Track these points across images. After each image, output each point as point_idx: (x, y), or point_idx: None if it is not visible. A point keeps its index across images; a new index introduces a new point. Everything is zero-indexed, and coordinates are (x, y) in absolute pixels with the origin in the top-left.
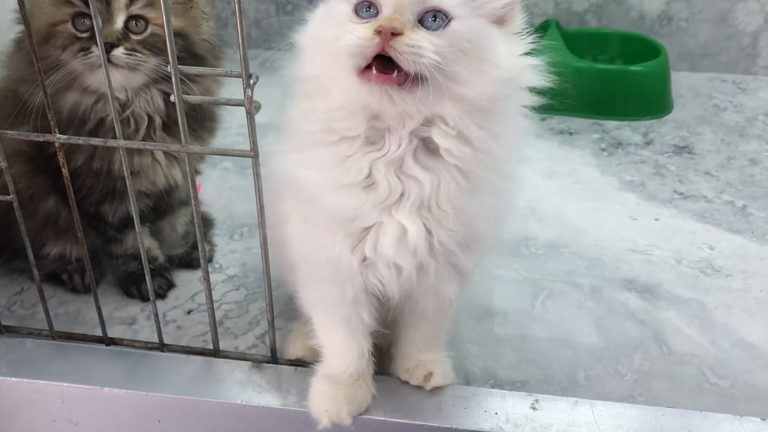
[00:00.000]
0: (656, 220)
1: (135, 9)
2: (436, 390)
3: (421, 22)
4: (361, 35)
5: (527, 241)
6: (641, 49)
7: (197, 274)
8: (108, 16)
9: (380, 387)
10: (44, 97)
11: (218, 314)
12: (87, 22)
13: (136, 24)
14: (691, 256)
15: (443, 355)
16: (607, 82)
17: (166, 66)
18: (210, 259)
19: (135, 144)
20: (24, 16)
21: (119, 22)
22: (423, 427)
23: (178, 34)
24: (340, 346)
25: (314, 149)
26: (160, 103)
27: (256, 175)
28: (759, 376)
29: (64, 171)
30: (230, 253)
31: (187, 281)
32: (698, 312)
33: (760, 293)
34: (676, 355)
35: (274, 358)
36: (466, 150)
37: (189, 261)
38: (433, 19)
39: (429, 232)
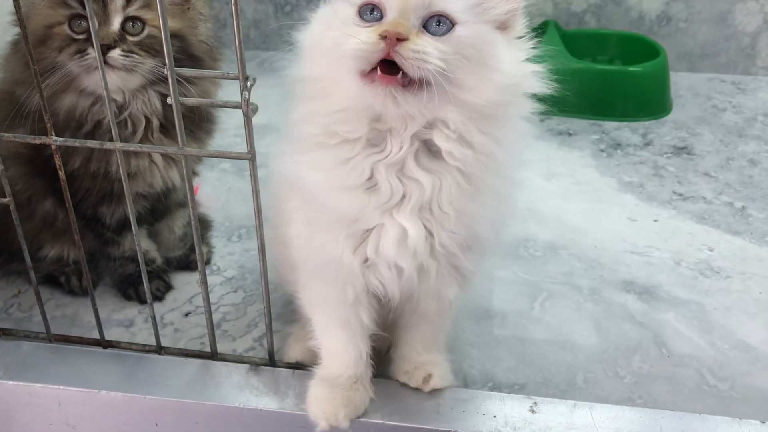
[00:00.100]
0: (655, 221)
1: (132, 10)
2: (435, 393)
3: (425, 27)
4: (365, 39)
5: (526, 243)
6: (640, 49)
7: (195, 276)
8: (104, 18)
9: (378, 390)
10: (40, 99)
11: (216, 317)
12: (83, 23)
13: (133, 25)
14: (690, 258)
15: (442, 358)
16: (606, 82)
17: (163, 68)
18: (208, 261)
19: (132, 146)
20: (20, 17)
21: (116, 23)
22: (421, 430)
23: (175, 36)
24: (338, 348)
25: (316, 151)
26: (158, 104)
27: (254, 178)
28: (758, 379)
29: (61, 174)
30: (228, 255)
31: (185, 283)
32: (697, 314)
33: (760, 295)
34: (675, 357)
35: (272, 361)
36: (467, 153)
37: (187, 263)
38: (437, 24)
39: (430, 233)
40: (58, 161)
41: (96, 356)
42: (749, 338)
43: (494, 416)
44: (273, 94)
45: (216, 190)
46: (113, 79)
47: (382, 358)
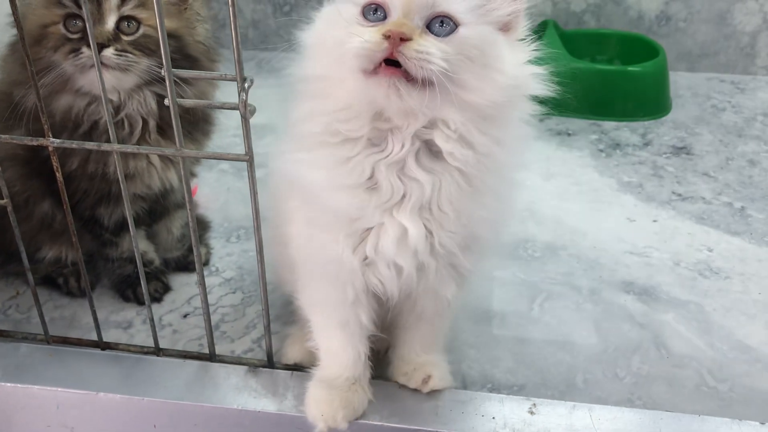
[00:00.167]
0: (654, 221)
1: (126, 10)
2: (434, 394)
3: (428, 27)
4: (369, 39)
5: (525, 243)
6: (640, 49)
7: (194, 277)
8: (99, 17)
9: (377, 391)
10: (37, 100)
11: (214, 318)
12: (78, 23)
13: (128, 25)
14: (690, 258)
15: (441, 359)
16: (605, 82)
17: (159, 67)
18: (206, 263)
19: (129, 148)
20: (16, 18)
21: (110, 22)
22: None
23: (172, 36)
24: (337, 349)
25: (317, 150)
26: (153, 105)
27: (252, 179)
28: (757, 380)
29: (58, 175)
30: (227, 256)
31: (184, 284)
32: (696, 314)
33: (759, 295)
34: (674, 358)
35: (270, 363)
36: (468, 153)
37: (185, 264)
38: (440, 24)
39: (430, 233)
40: (55, 163)
41: (94, 358)
42: (749, 339)
43: (493, 418)
44: (272, 94)
45: (214, 191)
46: (108, 79)
47: (380, 360)
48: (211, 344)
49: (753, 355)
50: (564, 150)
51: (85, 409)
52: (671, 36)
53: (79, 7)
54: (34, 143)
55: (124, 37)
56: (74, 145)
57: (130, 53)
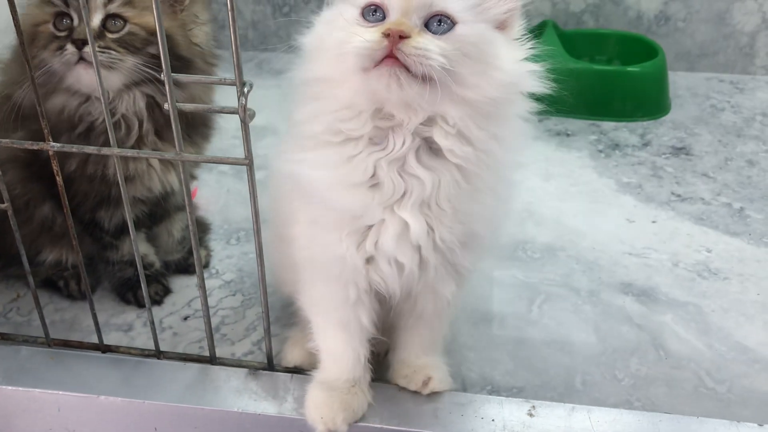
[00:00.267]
0: (653, 222)
1: (113, 8)
2: (433, 397)
3: (426, 26)
4: (369, 38)
5: (524, 245)
6: (639, 49)
7: (194, 280)
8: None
9: (377, 394)
10: (37, 103)
11: (215, 320)
12: (67, 21)
13: (114, 23)
14: (688, 259)
15: (441, 361)
16: (604, 83)
17: (146, 66)
18: (206, 265)
19: (129, 152)
20: (15, 17)
21: (96, 20)
22: None
23: None
24: (337, 350)
25: (320, 150)
26: (142, 105)
27: (251, 183)
28: (756, 381)
29: (59, 179)
30: (227, 258)
31: (184, 287)
32: (695, 315)
33: (758, 296)
34: (672, 359)
35: (270, 366)
36: (467, 149)
37: (186, 266)
38: (438, 23)
39: (431, 228)
40: (55, 167)
41: (95, 361)
42: (747, 340)
43: (492, 420)
44: (271, 96)
45: (214, 193)
46: (91, 76)
47: (380, 363)
48: (212, 347)
49: (751, 356)
50: (563, 150)
51: (86, 412)
52: (670, 36)
53: (67, 5)
54: (35, 147)
55: (109, 35)
56: (74, 149)
57: (114, 50)
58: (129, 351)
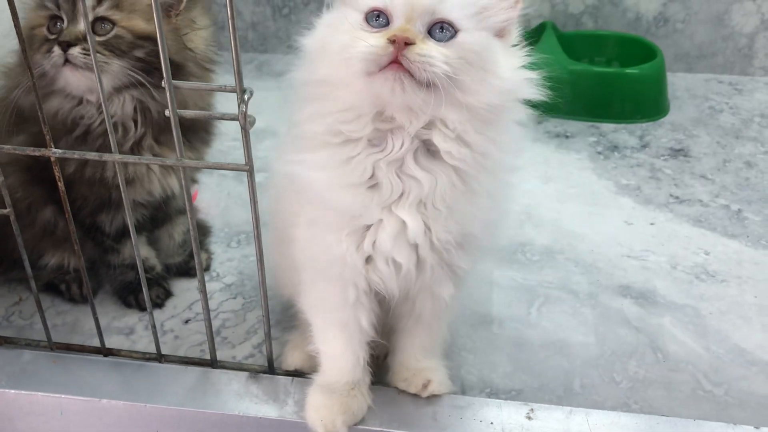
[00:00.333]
0: (652, 224)
1: (101, 11)
2: (432, 400)
3: (429, 33)
4: (374, 43)
5: (523, 247)
6: (638, 51)
7: (195, 283)
8: (73, 17)
9: (376, 397)
10: (38, 108)
11: (215, 323)
12: (60, 24)
13: (102, 26)
14: (686, 262)
15: (440, 364)
16: (603, 84)
17: (134, 70)
18: (207, 268)
19: (130, 158)
20: (15, 21)
21: (83, 23)
22: None
23: (148, 38)
24: (336, 353)
25: (320, 151)
26: (130, 109)
27: (251, 189)
28: (753, 383)
29: (60, 185)
30: (227, 261)
31: (185, 290)
32: (693, 318)
33: (755, 299)
34: (670, 362)
35: (271, 369)
36: (465, 152)
37: (187, 269)
38: (441, 30)
39: (428, 228)
40: (57, 173)
41: (97, 365)
42: (744, 343)
43: (491, 423)
44: (271, 98)
45: (215, 196)
46: (78, 78)
47: (380, 366)
48: (213, 350)
49: (748, 359)
50: (562, 152)
51: (88, 415)
52: (669, 37)
53: (59, 8)
54: (37, 153)
55: (97, 38)
56: (76, 156)
57: (100, 53)
58: (131, 354)
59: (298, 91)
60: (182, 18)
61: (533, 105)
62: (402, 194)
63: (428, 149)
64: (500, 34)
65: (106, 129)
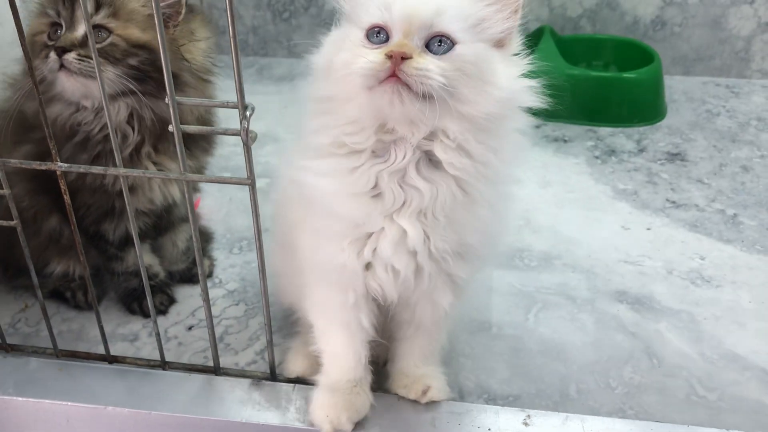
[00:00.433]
0: (648, 229)
1: (98, 19)
2: (431, 406)
3: (427, 47)
4: (373, 59)
5: (521, 253)
6: (635, 54)
7: (198, 290)
8: (71, 24)
9: (376, 403)
10: (43, 121)
11: (218, 330)
12: (60, 31)
13: (99, 33)
14: (682, 267)
15: (439, 371)
16: (600, 88)
17: (127, 78)
18: (209, 274)
19: (135, 172)
20: (19, 28)
21: (80, 30)
22: None
23: (142, 47)
24: (338, 352)
25: (326, 160)
26: (124, 116)
27: (254, 202)
28: (746, 389)
29: (66, 198)
30: (230, 267)
31: (188, 296)
32: (688, 323)
33: (749, 304)
34: (665, 367)
35: (273, 376)
36: (466, 162)
37: (190, 276)
38: (438, 44)
39: (427, 237)
40: (63, 186)
41: (102, 372)
42: (738, 348)
43: (488, 429)
44: (272, 102)
45: (217, 202)
46: (72, 84)
47: (380, 372)
48: (216, 358)
49: (742, 364)
50: (560, 157)
51: (94, 423)
52: (666, 40)
53: (59, 15)
54: (43, 167)
55: None
56: (81, 170)
57: (93, 60)
58: (135, 362)
59: (308, 106)
60: (181, 29)
61: (532, 112)
62: (404, 203)
63: (430, 160)
64: (500, 44)
65: (105, 135)
